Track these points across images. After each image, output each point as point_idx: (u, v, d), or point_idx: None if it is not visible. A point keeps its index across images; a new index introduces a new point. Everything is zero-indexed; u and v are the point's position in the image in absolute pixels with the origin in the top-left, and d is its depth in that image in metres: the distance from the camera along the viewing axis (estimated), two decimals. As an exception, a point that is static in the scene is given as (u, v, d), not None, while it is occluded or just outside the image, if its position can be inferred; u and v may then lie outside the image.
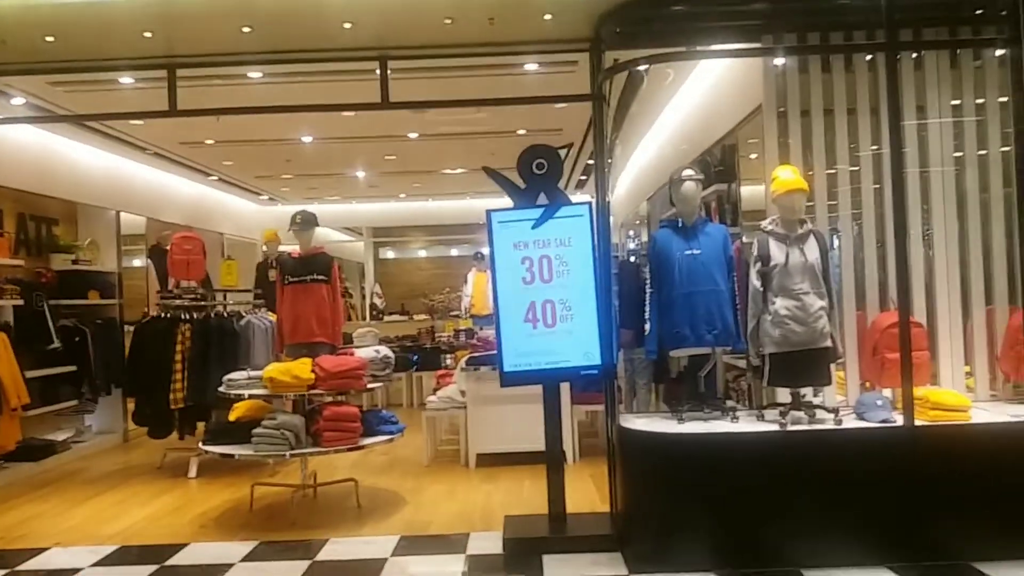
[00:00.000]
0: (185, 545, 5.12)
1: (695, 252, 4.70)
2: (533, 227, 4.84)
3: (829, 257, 4.58)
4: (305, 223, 6.19)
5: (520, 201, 4.90)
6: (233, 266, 7.82)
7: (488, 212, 4.89)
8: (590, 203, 4.90)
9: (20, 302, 7.40)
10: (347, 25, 4.63)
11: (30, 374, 7.57)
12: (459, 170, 10.05)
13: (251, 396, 5.67)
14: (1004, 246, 4.99)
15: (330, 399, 5.95)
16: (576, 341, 4.83)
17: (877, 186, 5.06)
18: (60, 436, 8.23)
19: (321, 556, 4.82)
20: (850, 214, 5.10)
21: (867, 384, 5.01)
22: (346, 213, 14.39)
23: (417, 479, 6.73)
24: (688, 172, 4.77)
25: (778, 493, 4.27)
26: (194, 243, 7.59)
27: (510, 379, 4.88)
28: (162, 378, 7.08)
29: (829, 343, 4.49)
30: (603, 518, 5.03)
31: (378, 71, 5.14)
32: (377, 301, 14.23)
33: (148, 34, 4.75)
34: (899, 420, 4.37)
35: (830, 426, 4.38)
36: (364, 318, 13.99)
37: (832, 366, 4.65)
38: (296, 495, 5.77)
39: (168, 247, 7.73)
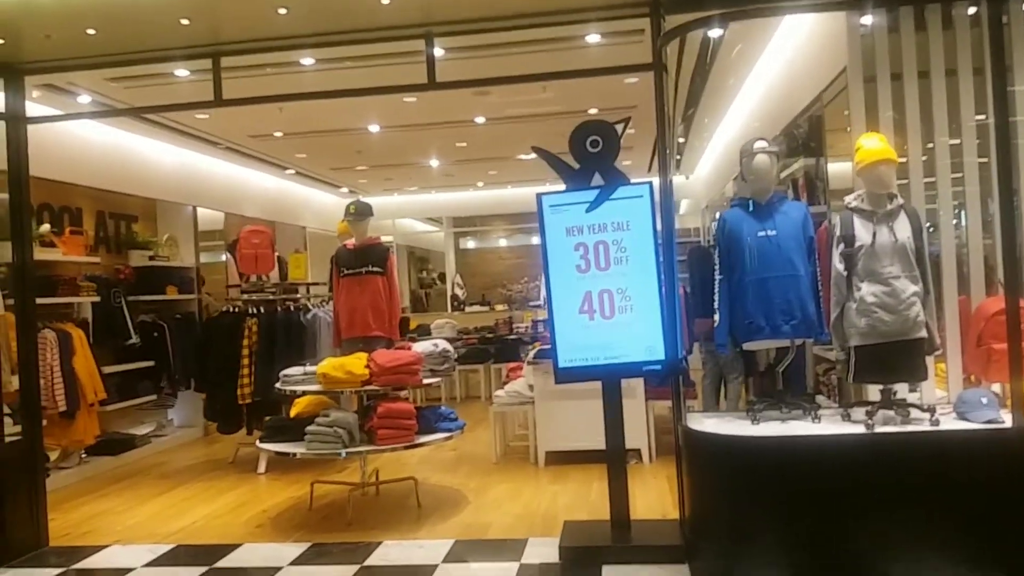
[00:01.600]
0: (239, 545, 5.01)
1: (770, 233, 4.22)
2: (588, 210, 4.47)
3: (924, 236, 4.03)
4: (359, 213, 5.98)
5: (573, 183, 4.53)
6: (302, 259, 7.75)
7: (538, 195, 4.54)
8: (650, 183, 4.48)
9: (97, 299, 7.50)
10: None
11: (109, 369, 7.71)
12: (533, 155, 9.69)
13: (305, 392, 5.51)
14: None
15: (385, 394, 5.76)
16: (637, 334, 4.44)
17: (983, 159, 4.46)
18: (141, 430, 8.38)
19: (371, 560, 4.61)
20: (950, 191, 4.51)
21: (971, 378, 4.43)
22: (425, 203, 14.27)
23: (483, 477, 6.46)
24: (760, 144, 4.29)
25: (864, 504, 3.77)
26: (263, 237, 7.53)
27: (565, 375, 4.54)
28: (230, 373, 7.05)
29: (924, 333, 3.95)
30: (672, 526, 4.62)
31: (424, 48, 4.84)
32: (458, 291, 14.09)
33: (185, 21, 4.60)
34: (1008, 420, 3.79)
35: (925, 427, 3.84)
36: (446, 308, 13.89)
37: (929, 359, 4.10)
38: (353, 494, 5.58)
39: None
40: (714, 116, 8.77)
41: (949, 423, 3.90)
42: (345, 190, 12.62)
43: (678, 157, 10.69)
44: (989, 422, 3.81)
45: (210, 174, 9.93)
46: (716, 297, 4.35)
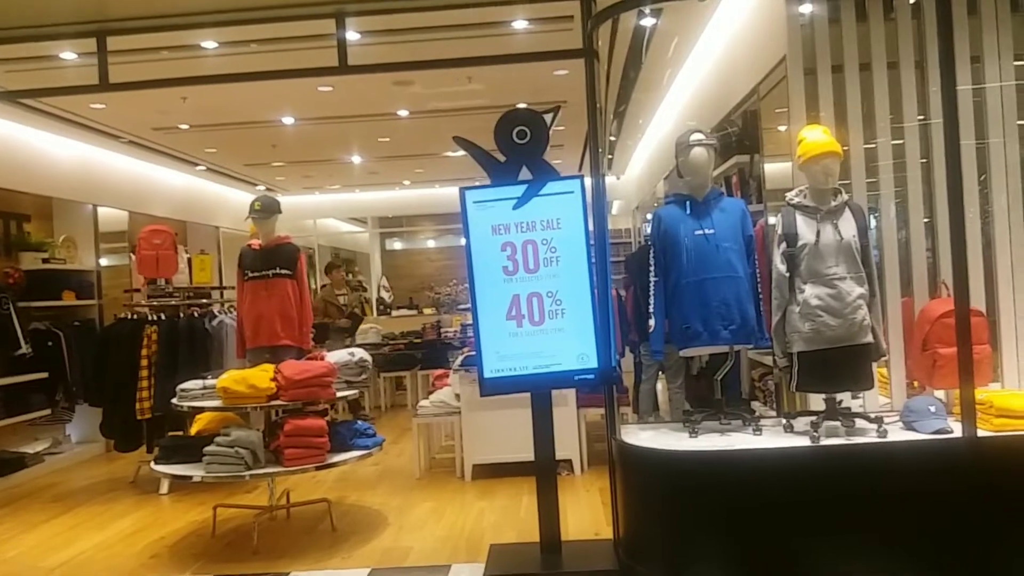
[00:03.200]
0: (128, 581, 4.49)
1: (707, 232, 3.94)
2: (515, 207, 4.10)
3: (869, 234, 3.79)
4: (265, 210, 5.48)
5: (499, 177, 4.16)
6: (207, 261, 7.21)
7: (461, 190, 4.16)
8: (581, 176, 4.15)
9: (-21, 305, 6.82)
10: (287, -27, 3.93)
11: (-3, 383, 7.06)
12: (461, 152, 9.31)
13: (206, 408, 5.01)
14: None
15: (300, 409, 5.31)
16: (569, 341, 4.09)
17: (924, 160, 4.28)
18: (35, 448, 7.68)
19: (275, 596, 4.16)
20: (892, 190, 4.31)
21: (915, 384, 4.23)
22: (349, 202, 13.74)
23: (406, 495, 6.04)
24: (697, 136, 4.00)
25: (810, 521, 3.51)
26: (164, 237, 6.94)
27: (491, 387, 4.16)
28: (127, 386, 6.47)
29: (870, 338, 3.72)
30: (606, 547, 4.26)
31: (335, 31, 4.41)
32: (384, 295, 13.60)
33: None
34: (957, 430, 3.58)
35: (873, 439, 3.60)
36: (372, 313, 13.37)
37: (874, 366, 3.87)
38: (260, 519, 5.10)
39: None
40: (646, 113, 8.53)
41: (896, 433, 3.68)
42: (262, 188, 12.00)
43: (609, 157, 10.45)
44: (938, 432, 3.60)
45: (112, 170, 9.23)
46: (651, 300, 4.05)
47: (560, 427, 5.88)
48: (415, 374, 10.13)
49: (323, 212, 13.84)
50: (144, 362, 6.46)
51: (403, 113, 7.71)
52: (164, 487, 6.44)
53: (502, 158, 4.16)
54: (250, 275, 5.47)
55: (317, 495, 5.89)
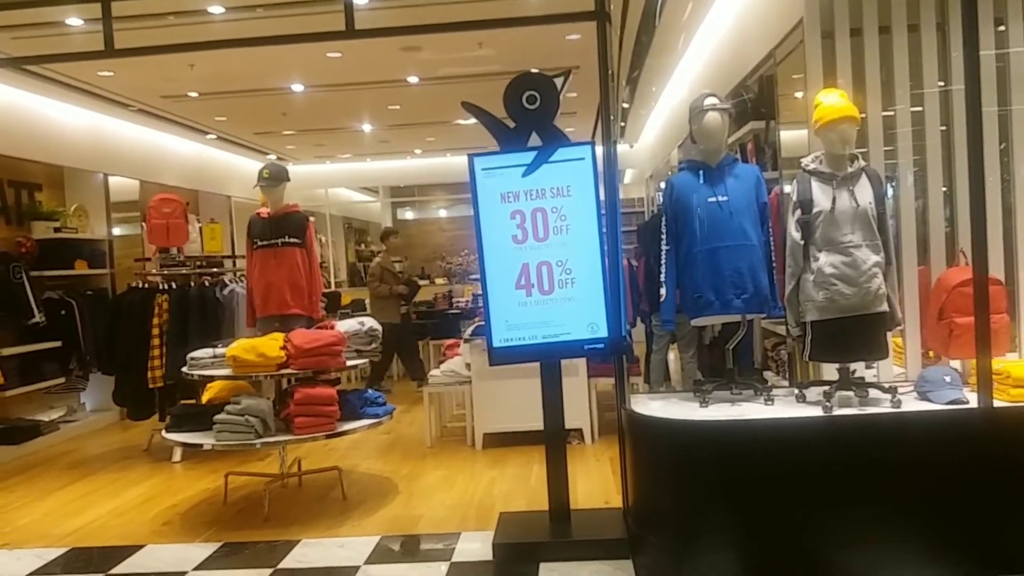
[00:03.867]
0: (140, 547, 4.51)
1: (721, 199, 3.86)
2: (524, 174, 4.04)
3: (885, 202, 3.71)
4: (274, 178, 5.43)
5: (509, 144, 4.09)
6: (218, 229, 7.17)
7: (470, 157, 4.09)
8: (592, 143, 4.07)
9: (-10, 273, 6.83)
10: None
11: (9, 351, 7.08)
12: (472, 120, 9.22)
13: (217, 377, 5.01)
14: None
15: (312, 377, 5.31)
16: (578, 310, 4.05)
17: (944, 128, 4.17)
18: (50, 416, 7.75)
19: (286, 562, 4.16)
20: (911, 157, 4.20)
21: (930, 354, 4.16)
22: (361, 172, 13.64)
23: (417, 463, 6.05)
24: (711, 100, 3.90)
25: (821, 493, 3.46)
26: (174, 206, 6.90)
27: (500, 356, 4.13)
28: (139, 354, 6.49)
29: (885, 307, 3.64)
30: (615, 516, 4.26)
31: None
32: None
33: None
34: (972, 400, 3.52)
35: (886, 409, 3.55)
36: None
37: (889, 335, 3.80)
38: (272, 487, 5.12)
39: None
40: (660, 79, 8.39)
41: (911, 404, 3.62)
42: (273, 157, 11.94)
43: (622, 124, 10.31)
44: (953, 402, 3.54)
45: (123, 139, 9.20)
46: (663, 269, 3.99)
47: (570, 397, 5.89)
48: (427, 344, 10.12)
49: (335, 182, 13.79)
50: (155, 331, 6.47)
51: (413, 80, 7.61)
52: (177, 455, 6.48)
53: (512, 125, 4.08)
54: (259, 244, 5.44)
55: (329, 463, 5.90)
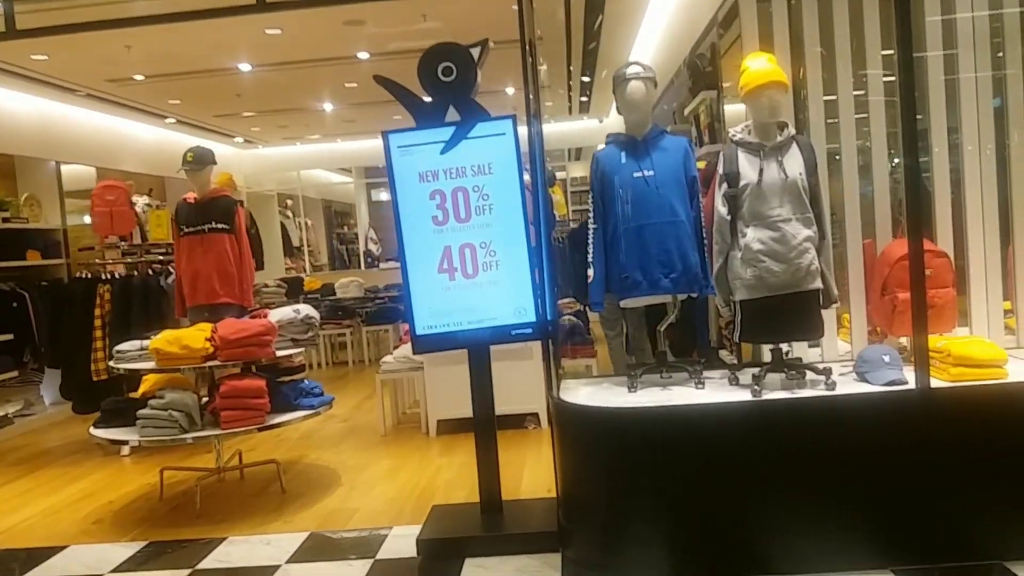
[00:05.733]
0: (63, 548, 4.35)
1: (647, 174, 3.64)
2: (442, 151, 3.82)
3: (818, 171, 3.49)
4: (198, 161, 5.21)
5: (425, 119, 3.87)
6: (163, 216, 6.94)
7: (384, 134, 3.88)
8: (514, 116, 3.85)
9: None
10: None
11: (-44, 346, 6.92)
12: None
13: (144, 371, 4.82)
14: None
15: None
16: (504, 294, 3.85)
17: (891, 94, 3.94)
18: (6, 410, 7.58)
19: (206, 562, 4.00)
20: (854, 127, 3.98)
21: (877, 330, 3.97)
22: (333, 152, 13.39)
23: (367, 453, 5.88)
24: (634, 68, 3.67)
25: (755, 480, 3.29)
26: (118, 192, 6.70)
27: (424, 344, 3.96)
28: (83, 346, 6.31)
29: (818, 284, 3.44)
30: (551, 507, 4.08)
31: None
32: (372, 247, 13.37)
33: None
34: (911, 381, 3.32)
35: (819, 392, 3.36)
36: (359, 266, 13.18)
37: (826, 313, 3.60)
38: (202, 482, 4.94)
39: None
40: (622, 50, 8.12)
41: (847, 385, 3.43)
42: (240, 140, 11.71)
43: (584, 99, 10.05)
44: (891, 383, 3.34)
45: (76, 126, 8.96)
46: (590, 248, 3.78)
47: (526, 380, 5.77)
48: (397, 327, 9.95)
49: (307, 163, 13.55)
50: (98, 322, 6.29)
51: (363, 56, 7.36)
52: (126, 449, 6.31)
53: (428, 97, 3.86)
54: (185, 230, 5.23)
55: (278, 454, 5.75)
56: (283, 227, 13.49)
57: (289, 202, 14.12)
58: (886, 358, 3.45)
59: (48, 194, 8.39)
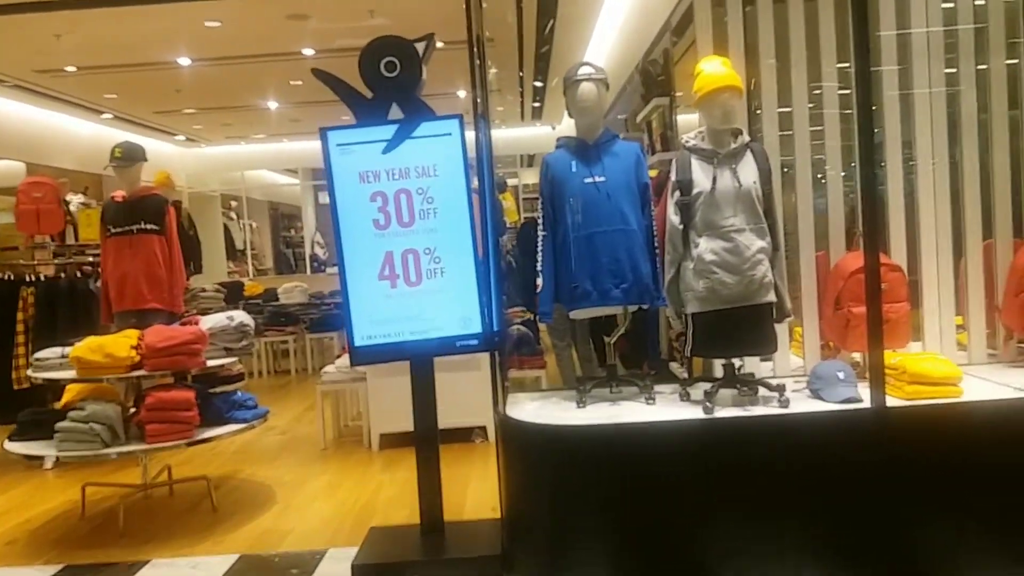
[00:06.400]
0: (-33, 574, 4.04)
1: (598, 180, 3.50)
2: (384, 151, 3.63)
3: (772, 180, 3.38)
4: (127, 157, 4.93)
5: (366, 116, 3.68)
6: (94, 215, 6.58)
7: (322, 130, 3.69)
8: (460, 116, 3.68)
9: None
10: None
11: None
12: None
13: (65, 380, 4.52)
14: (1009, 171, 3.82)
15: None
16: (449, 303, 3.67)
17: (848, 112, 3.86)
18: (-79, 418, 7.13)
19: (125, 588, 3.74)
20: (808, 137, 3.89)
21: (830, 345, 3.88)
22: (278, 153, 13.07)
23: (305, 468, 5.63)
24: (585, 69, 3.54)
25: (703, 502, 3.15)
26: (46, 189, 6.34)
27: (363, 356, 3.75)
28: (2, 352, 5.94)
29: (772, 297, 3.32)
30: (495, 528, 3.89)
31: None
32: (319, 251, 13.06)
33: None
34: (866, 399, 3.22)
35: (772, 410, 3.24)
36: (306, 270, 12.86)
37: (779, 327, 3.49)
38: (126, 500, 4.66)
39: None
40: (575, 54, 8.00)
41: (801, 403, 3.31)
42: (182, 138, 11.33)
43: (536, 104, 9.92)
44: (846, 401, 3.23)
45: (3, 119, 8.53)
46: (539, 258, 3.62)
47: (474, 391, 5.56)
48: (342, 335, 9.65)
49: (251, 164, 13.21)
50: (20, 327, 5.93)
51: (308, 52, 7.13)
52: (48, 462, 5.95)
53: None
54: (112, 230, 4.93)
55: (211, 468, 5.48)
56: (226, 229, 13.11)
57: (233, 203, 13.73)
58: (840, 375, 3.34)
59: (-28, 191, 7.98)
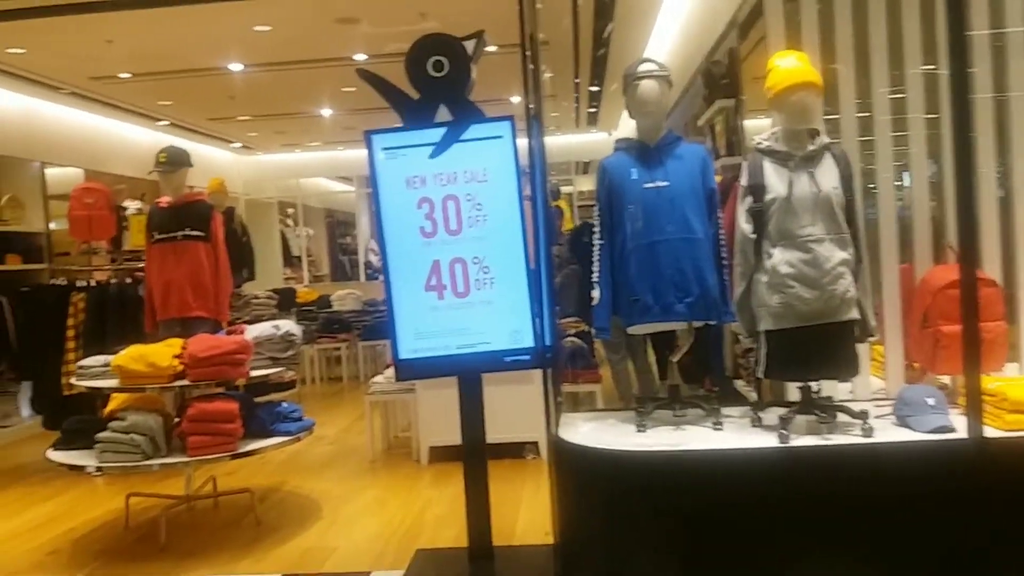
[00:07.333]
0: (9, 584, 3.96)
1: (660, 185, 3.24)
2: (432, 155, 3.44)
3: (855, 185, 3.08)
4: (172, 162, 4.83)
5: (413, 118, 3.49)
6: (144, 222, 6.54)
7: (367, 134, 3.52)
8: (511, 118, 3.46)
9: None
10: None
11: (-75, 354, 6.54)
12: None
13: (107, 389, 4.43)
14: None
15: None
16: (498, 315, 3.46)
17: (933, 116, 3.55)
18: (-24, 423, 7.21)
19: (161, 609, 3.60)
20: (889, 135, 3.58)
21: (914, 366, 3.54)
22: (332, 161, 13.05)
23: (353, 482, 5.46)
24: (647, 66, 3.29)
25: (777, 540, 2.86)
26: (98, 195, 6.32)
27: (408, 370, 3.56)
28: (54, 358, 5.93)
29: (855, 314, 3.02)
30: (546, 555, 3.66)
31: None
32: (372, 258, 12.98)
33: None
34: (961, 428, 2.90)
35: (855, 439, 2.93)
36: (360, 278, 12.81)
37: (860, 348, 3.18)
38: (168, 512, 4.54)
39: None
40: (632, 57, 7.74)
41: (886, 431, 3.00)
42: (238, 145, 11.36)
43: (593, 109, 9.66)
44: (936, 430, 2.91)
45: (62, 126, 8.61)
46: (595, 268, 3.38)
47: (525, 405, 5.31)
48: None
49: (308, 171, 13.25)
50: (71, 332, 5.91)
51: (360, 57, 7.00)
52: (92, 470, 5.90)
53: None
54: (157, 237, 4.84)
55: (258, 479, 5.36)
56: (283, 236, 13.15)
57: (290, 211, 13.79)
58: (930, 401, 3.02)
59: (32, 196, 8.04)
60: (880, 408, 3.24)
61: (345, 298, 10.12)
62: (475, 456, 3.63)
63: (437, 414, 5.65)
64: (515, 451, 5.62)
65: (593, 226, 3.41)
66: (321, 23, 5.80)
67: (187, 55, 6.73)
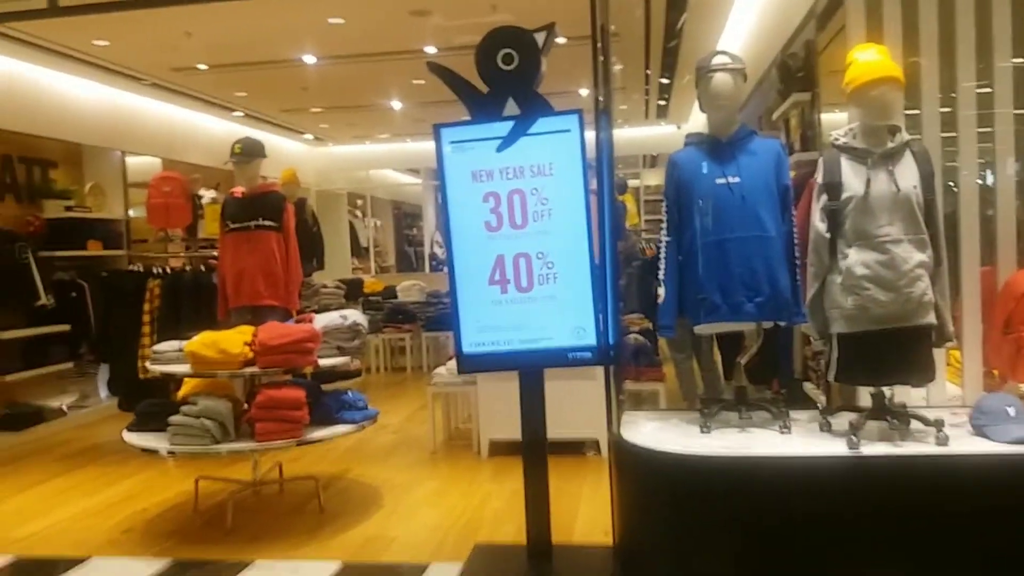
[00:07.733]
0: (85, 560, 4.09)
1: (731, 181, 3.17)
2: (499, 149, 3.42)
3: (935, 185, 2.96)
4: (247, 153, 4.93)
5: (481, 112, 3.48)
6: (218, 211, 6.71)
7: (436, 128, 3.52)
8: (579, 111, 3.42)
9: (-11, 253, 6.56)
10: None
11: (12, 335, 6.83)
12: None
13: (180, 374, 4.55)
14: None
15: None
16: (561, 311, 3.42)
17: (1022, 112, 3.40)
18: (61, 402, 7.49)
19: (224, 591, 3.69)
20: (974, 131, 3.43)
21: (994, 374, 3.40)
22: (401, 153, 13.16)
23: (413, 472, 5.51)
24: (720, 59, 3.21)
25: (845, 551, 2.78)
26: (175, 184, 6.51)
27: (471, 363, 3.55)
28: (131, 342, 6.13)
29: (932, 319, 2.91)
30: (605, 555, 3.63)
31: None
32: (438, 251, 13.08)
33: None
34: (1046, 440, 2.77)
35: (929, 448, 2.82)
36: (424, 269, 12.93)
37: (936, 353, 3.06)
38: (235, 496, 4.65)
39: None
40: (704, 49, 7.60)
41: (962, 441, 2.88)
42: (310, 137, 11.57)
43: (662, 101, 9.52)
44: (1017, 441, 2.78)
45: (142, 116, 8.90)
46: (661, 265, 3.33)
47: (586, 402, 5.28)
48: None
49: (377, 163, 13.42)
50: (147, 317, 6.10)
51: (431, 50, 7.04)
52: (163, 452, 6.09)
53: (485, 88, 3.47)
54: (231, 226, 4.96)
55: (323, 466, 5.45)
56: (352, 226, 13.35)
57: (359, 202, 13.98)
58: (1011, 410, 2.89)
59: (113, 184, 8.33)
60: (956, 416, 3.12)
61: (410, 289, 10.21)
62: (535, 452, 3.61)
63: (498, 408, 5.66)
64: (575, 448, 5.59)
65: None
66: (395, 16, 5.85)
67: (262, 47, 6.87)
